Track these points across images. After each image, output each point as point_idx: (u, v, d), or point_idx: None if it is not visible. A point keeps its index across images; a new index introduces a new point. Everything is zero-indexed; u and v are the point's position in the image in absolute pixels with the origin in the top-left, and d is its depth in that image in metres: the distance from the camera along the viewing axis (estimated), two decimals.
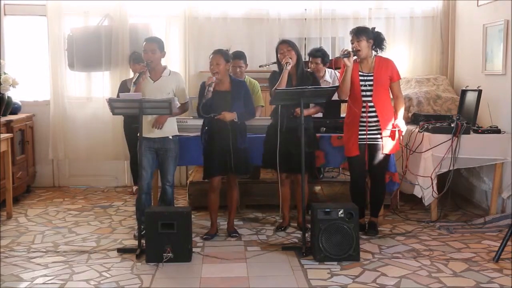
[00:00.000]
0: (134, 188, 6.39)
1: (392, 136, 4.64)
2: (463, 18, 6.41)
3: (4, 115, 5.96)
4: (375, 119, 4.63)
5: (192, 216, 4.44)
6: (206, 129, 4.61)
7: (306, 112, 4.55)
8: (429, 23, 6.74)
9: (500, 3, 5.44)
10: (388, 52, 6.41)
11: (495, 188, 5.20)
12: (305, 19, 6.69)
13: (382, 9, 6.71)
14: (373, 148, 4.69)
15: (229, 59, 4.68)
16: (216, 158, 4.59)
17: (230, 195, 4.79)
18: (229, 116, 4.54)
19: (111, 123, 6.40)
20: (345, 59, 4.57)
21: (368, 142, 4.66)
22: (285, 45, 4.72)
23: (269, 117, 4.96)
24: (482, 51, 5.77)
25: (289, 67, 4.61)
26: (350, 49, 4.64)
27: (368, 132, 4.64)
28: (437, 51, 6.73)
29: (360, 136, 4.66)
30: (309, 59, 5.64)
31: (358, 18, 6.59)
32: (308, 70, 5.14)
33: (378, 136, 4.65)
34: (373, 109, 4.62)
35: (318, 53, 5.52)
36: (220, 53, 4.59)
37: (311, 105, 4.75)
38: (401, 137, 4.78)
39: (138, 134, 4.51)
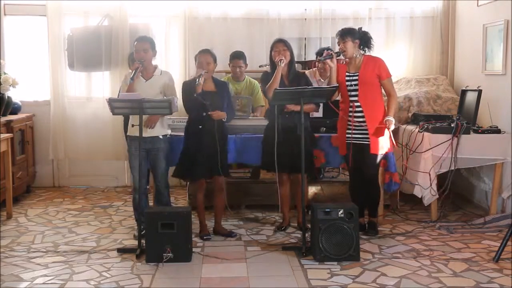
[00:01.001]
0: None
1: (378, 133, 4.62)
2: (463, 18, 6.41)
3: (4, 115, 5.96)
4: (361, 119, 4.63)
5: (192, 216, 4.44)
6: (199, 128, 4.58)
7: (298, 107, 4.52)
8: (429, 23, 6.74)
9: (500, 3, 5.44)
10: (388, 52, 6.47)
11: (495, 188, 5.20)
12: (305, 19, 6.68)
13: (382, 9, 6.70)
14: (360, 148, 4.68)
15: (216, 59, 4.70)
16: (207, 160, 4.57)
17: (219, 197, 4.77)
18: (221, 114, 4.56)
19: (111, 123, 6.39)
20: (328, 61, 4.64)
21: (353, 142, 4.67)
22: (281, 44, 4.74)
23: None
24: (482, 51, 5.77)
25: (282, 65, 4.63)
26: (333, 51, 4.70)
27: (353, 132, 4.65)
28: (437, 51, 6.72)
29: (347, 135, 4.68)
30: (316, 58, 5.62)
31: (358, 18, 6.59)
32: (301, 70, 5.13)
33: (365, 136, 4.65)
34: (360, 109, 4.63)
35: None
36: (209, 53, 4.63)
37: None
38: (390, 134, 4.71)
39: (128, 133, 4.59)
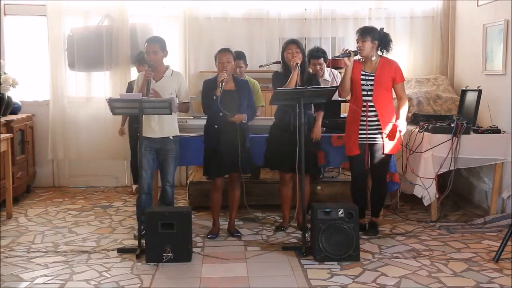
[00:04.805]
0: (134, 187, 6.40)
1: (391, 135, 4.63)
2: (463, 18, 6.41)
3: (4, 115, 5.96)
4: (375, 118, 4.63)
5: (192, 216, 4.44)
6: (215, 128, 4.59)
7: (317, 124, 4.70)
8: (429, 23, 6.74)
9: (500, 3, 5.44)
10: (388, 52, 6.45)
11: (495, 188, 5.20)
12: (305, 19, 6.69)
13: (382, 9, 6.71)
14: (373, 148, 4.69)
15: (235, 58, 4.74)
16: (224, 158, 4.58)
17: (232, 195, 4.80)
18: (242, 117, 4.56)
19: (111, 123, 6.40)
20: (345, 59, 4.62)
21: (368, 142, 4.67)
22: (294, 45, 4.69)
23: (270, 117, 4.95)
24: (482, 51, 5.77)
25: (299, 68, 4.59)
26: (351, 49, 4.67)
27: (368, 132, 4.65)
28: (437, 51, 6.72)
29: (360, 136, 4.67)
30: (309, 61, 5.60)
31: (358, 18, 6.60)
32: (310, 71, 5.11)
33: (378, 136, 4.65)
34: (373, 109, 4.63)
35: (319, 53, 5.48)
36: (229, 51, 4.64)
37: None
38: (401, 137, 4.77)
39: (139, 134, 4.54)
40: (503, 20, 5.33)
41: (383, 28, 4.77)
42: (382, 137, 4.64)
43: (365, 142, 4.67)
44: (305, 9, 6.67)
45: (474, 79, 5.90)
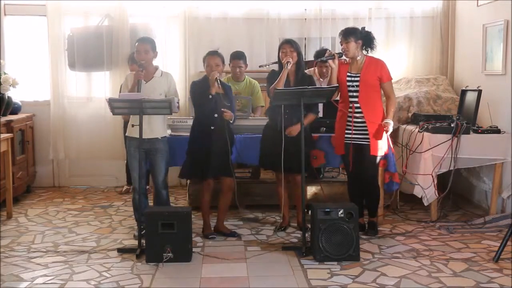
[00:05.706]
0: (124, 188, 6.46)
1: (377, 135, 4.62)
2: (463, 18, 6.42)
3: (4, 115, 5.96)
4: (361, 120, 4.63)
5: (192, 216, 4.43)
6: (212, 129, 4.58)
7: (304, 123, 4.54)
8: (429, 23, 6.74)
9: (500, 3, 5.44)
10: (388, 52, 6.47)
11: (495, 188, 5.20)
12: (305, 19, 6.69)
13: (382, 9, 6.71)
14: (360, 149, 4.68)
15: (224, 60, 4.70)
16: (215, 159, 4.58)
17: (226, 197, 4.78)
18: (231, 115, 4.57)
19: (111, 123, 6.40)
20: (330, 61, 4.65)
21: (353, 142, 4.66)
22: (289, 45, 4.70)
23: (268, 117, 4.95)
24: (482, 51, 5.77)
25: (289, 67, 4.61)
26: (335, 51, 4.71)
27: (353, 133, 4.65)
28: (437, 51, 6.72)
29: (346, 136, 4.67)
30: (315, 64, 5.61)
31: (358, 18, 6.60)
32: (306, 72, 5.11)
33: (365, 137, 4.65)
34: (359, 110, 4.63)
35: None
36: (218, 55, 4.63)
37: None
38: (388, 136, 4.74)
39: (127, 134, 4.60)
40: (503, 20, 5.33)
41: (364, 27, 4.81)
42: (369, 138, 4.63)
43: (350, 142, 4.67)
44: (305, 9, 6.67)
45: (474, 79, 5.90)
